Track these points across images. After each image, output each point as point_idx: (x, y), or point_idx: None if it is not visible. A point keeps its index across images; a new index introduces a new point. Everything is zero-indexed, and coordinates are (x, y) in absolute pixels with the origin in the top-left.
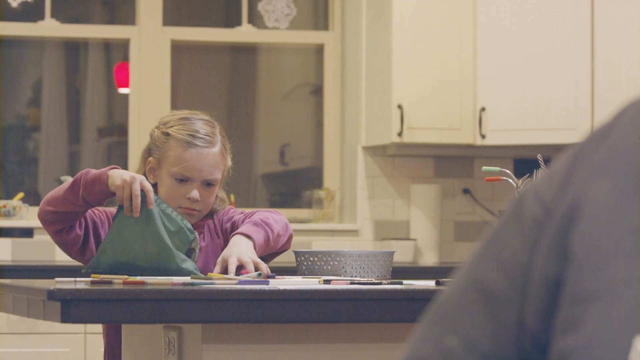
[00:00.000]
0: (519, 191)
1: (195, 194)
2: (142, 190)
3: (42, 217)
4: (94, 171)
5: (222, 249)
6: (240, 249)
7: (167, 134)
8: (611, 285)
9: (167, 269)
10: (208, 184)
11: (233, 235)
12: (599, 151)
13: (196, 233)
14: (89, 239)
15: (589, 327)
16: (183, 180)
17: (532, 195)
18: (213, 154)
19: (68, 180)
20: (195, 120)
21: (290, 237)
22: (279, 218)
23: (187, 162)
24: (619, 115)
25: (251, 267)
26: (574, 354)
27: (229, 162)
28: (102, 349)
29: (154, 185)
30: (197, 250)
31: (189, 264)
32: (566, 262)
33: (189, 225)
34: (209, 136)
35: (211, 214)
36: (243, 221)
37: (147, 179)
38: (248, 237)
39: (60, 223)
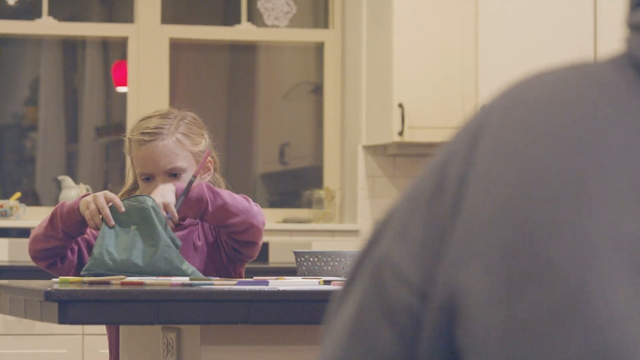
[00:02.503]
0: (364, 255)
1: None
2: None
3: (32, 255)
4: (68, 203)
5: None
6: (158, 192)
7: (129, 140)
8: None
9: (167, 268)
10: (173, 175)
11: None
12: (457, 220)
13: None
14: (82, 260)
15: None
16: (148, 178)
17: (389, 270)
18: (164, 145)
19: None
20: (150, 118)
21: (251, 226)
22: (242, 199)
23: (143, 159)
24: (470, 153)
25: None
26: None
27: (202, 147)
28: (101, 350)
29: None
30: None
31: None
32: None
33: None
34: (159, 128)
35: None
36: None
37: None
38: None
39: (51, 258)
